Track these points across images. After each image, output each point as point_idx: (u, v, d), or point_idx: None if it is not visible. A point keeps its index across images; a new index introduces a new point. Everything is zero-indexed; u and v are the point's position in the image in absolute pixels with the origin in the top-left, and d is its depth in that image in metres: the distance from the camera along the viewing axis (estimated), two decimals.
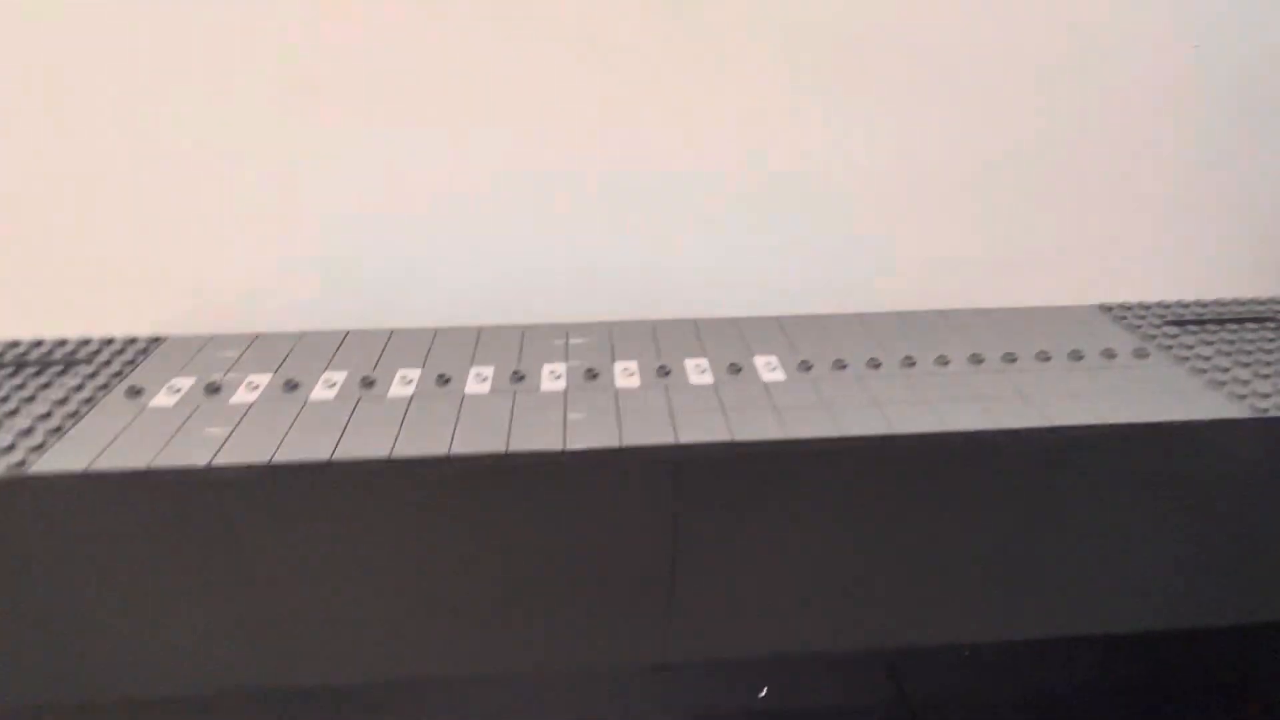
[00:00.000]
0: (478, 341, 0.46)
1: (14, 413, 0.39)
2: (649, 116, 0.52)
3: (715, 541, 0.40)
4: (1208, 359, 0.44)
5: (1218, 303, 0.51)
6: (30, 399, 0.40)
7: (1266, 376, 0.42)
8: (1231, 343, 0.46)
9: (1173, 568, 0.43)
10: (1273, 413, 0.39)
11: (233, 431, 0.37)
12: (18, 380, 0.42)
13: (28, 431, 0.37)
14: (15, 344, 0.45)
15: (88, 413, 0.39)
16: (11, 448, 0.36)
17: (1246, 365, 0.44)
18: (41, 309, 0.54)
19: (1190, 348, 0.46)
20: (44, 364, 0.44)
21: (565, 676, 0.43)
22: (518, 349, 0.45)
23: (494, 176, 0.53)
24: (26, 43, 0.47)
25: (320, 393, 0.41)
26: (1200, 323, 0.49)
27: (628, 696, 0.42)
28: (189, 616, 0.39)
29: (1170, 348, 0.46)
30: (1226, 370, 0.43)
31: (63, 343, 0.45)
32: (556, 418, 0.38)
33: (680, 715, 0.41)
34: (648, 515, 0.38)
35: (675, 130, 0.53)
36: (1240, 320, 0.49)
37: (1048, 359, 0.44)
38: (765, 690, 0.42)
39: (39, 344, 0.45)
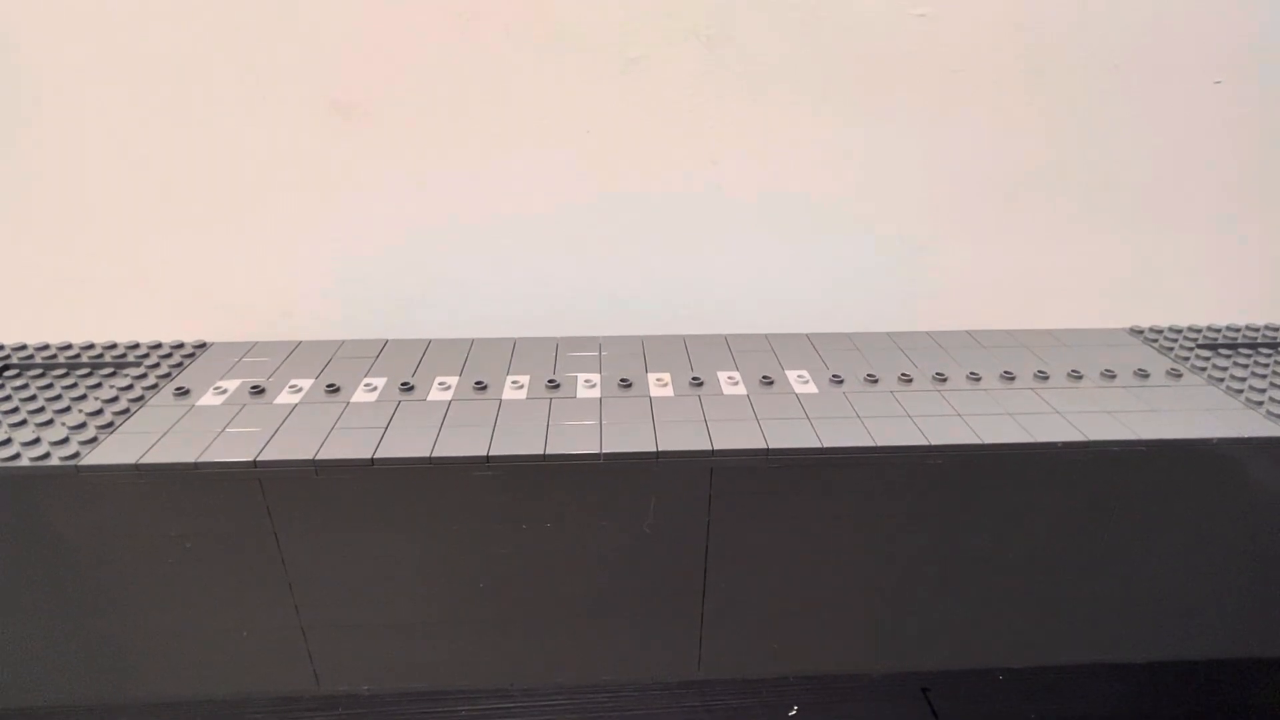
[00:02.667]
0: (513, 351, 0.46)
1: (66, 409, 0.40)
2: (683, 142, 0.53)
3: (746, 552, 0.39)
4: (1242, 380, 0.43)
5: (1249, 328, 0.50)
6: (81, 397, 0.41)
7: None
8: (1265, 365, 0.46)
9: (1213, 592, 0.42)
10: None
11: (278, 430, 0.38)
12: (69, 380, 0.43)
13: (80, 427, 0.38)
14: (68, 346, 0.46)
15: (137, 410, 0.40)
16: (65, 441, 0.36)
17: None
18: (93, 318, 0.55)
19: (1224, 369, 0.45)
20: (95, 365, 0.44)
21: (596, 689, 0.42)
22: (552, 359, 0.45)
23: (530, 200, 0.54)
24: (90, 80, 0.49)
25: (361, 396, 0.41)
26: (1233, 346, 0.48)
27: (658, 712, 0.41)
28: (232, 608, 0.38)
29: (1204, 369, 0.45)
30: (1262, 391, 0.42)
31: (112, 346, 0.46)
32: (592, 423, 0.38)
33: None
34: (681, 523, 0.38)
35: (708, 155, 0.54)
36: (1273, 345, 0.48)
37: (1080, 378, 0.44)
38: (795, 709, 0.41)
39: (90, 347, 0.46)
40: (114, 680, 0.40)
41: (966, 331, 0.49)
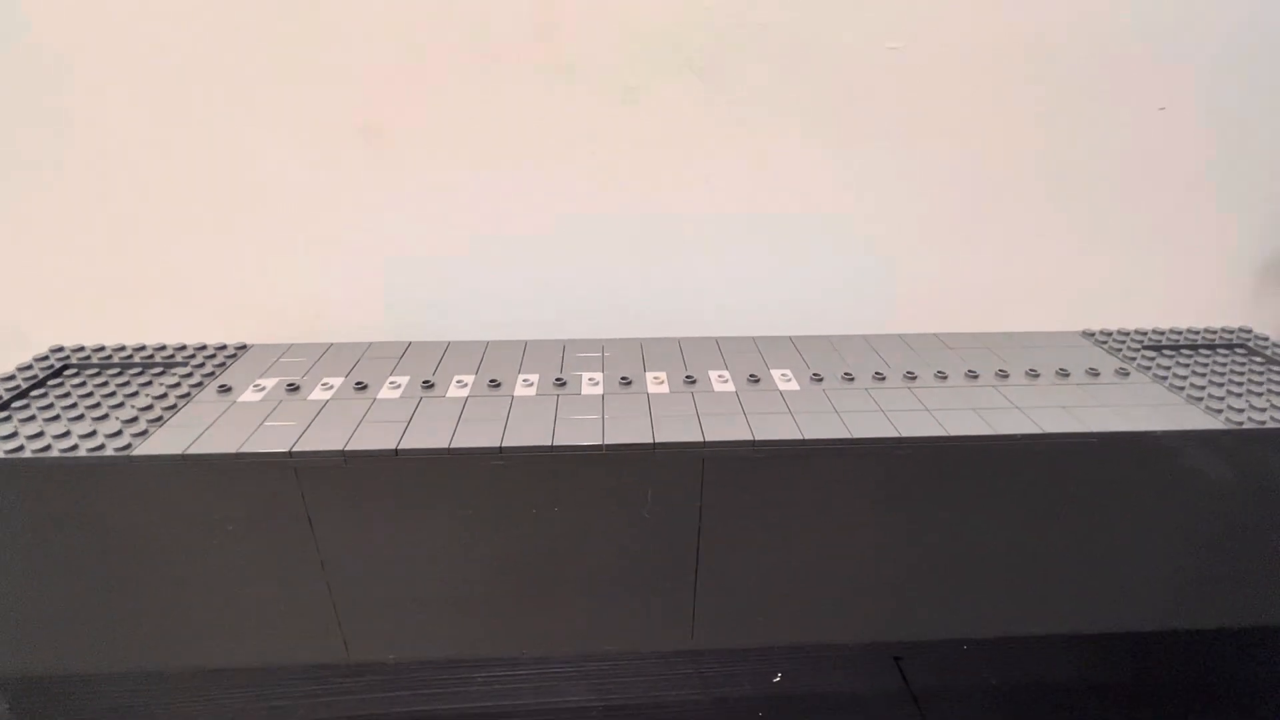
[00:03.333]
0: (524, 353, 0.47)
1: (120, 405, 0.40)
2: (679, 163, 0.54)
3: (735, 533, 0.40)
4: (1184, 378, 0.45)
5: (1190, 331, 0.51)
6: (134, 394, 0.42)
7: (1238, 395, 0.43)
8: (1205, 365, 0.47)
9: (1157, 570, 0.43)
10: (1247, 425, 0.39)
11: (310, 423, 0.38)
12: (123, 379, 0.43)
13: (132, 421, 0.39)
14: (122, 348, 0.47)
15: (184, 406, 0.40)
16: (118, 434, 0.37)
17: (1219, 385, 0.44)
18: (145, 322, 0.56)
19: (1167, 369, 0.46)
20: (146, 365, 0.45)
21: (600, 658, 0.43)
22: (559, 359, 0.46)
23: (540, 215, 0.55)
24: (145, 109, 0.50)
25: (386, 393, 0.42)
26: (1175, 348, 0.49)
27: (655, 678, 0.42)
28: (269, 584, 0.39)
29: (1149, 369, 0.46)
30: (1202, 389, 0.43)
31: (162, 347, 0.47)
32: (596, 417, 0.39)
33: (702, 697, 0.41)
34: (676, 507, 0.39)
35: (702, 174, 0.55)
36: (1211, 346, 0.50)
37: (1037, 376, 0.45)
38: (779, 676, 0.42)
39: (142, 348, 0.47)
40: (162, 649, 0.41)
41: (934, 334, 0.50)
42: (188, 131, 0.51)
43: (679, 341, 0.49)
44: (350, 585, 0.40)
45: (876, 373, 0.44)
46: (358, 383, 0.43)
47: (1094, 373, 0.45)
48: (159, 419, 0.39)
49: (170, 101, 0.50)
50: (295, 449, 0.36)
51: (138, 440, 0.37)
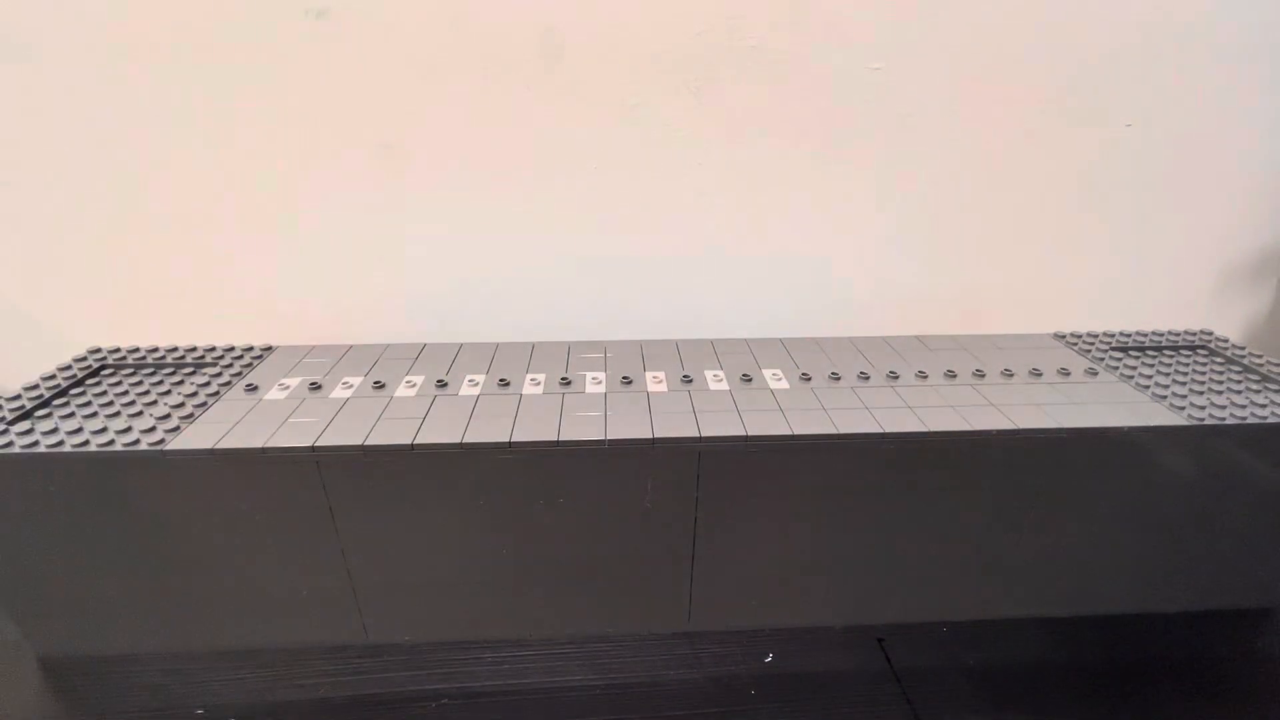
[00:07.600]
0: (532, 354, 0.47)
1: (154, 402, 0.40)
2: (675, 177, 0.54)
3: (729, 523, 0.39)
4: (1149, 377, 0.44)
5: (1155, 333, 0.51)
6: (167, 392, 0.41)
7: (1200, 392, 0.42)
8: (1169, 365, 0.46)
9: (1123, 556, 0.42)
10: (1208, 421, 0.39)
11: (332, 420, 0.38)
12: (157, 378, 0.43)
13: (165, 417, 0.38)
14: (155, 349, 0.46)
15: (214, 404, 0.40)
16: (152, 429, 0.37)
17: (1182, 383, 0.43)
18: (177, 324, 0.56)
19: (1134, 368, 0.45)
20: (178, 365, 0.45)
21: (601, 639, 0.42)
22: (565, 360, 0.46)
23: (546, 225, 0.55)
24: (184, 130, 0.49)
25: (403, 391, 0.41)
26: (1140, 349, 0.49)
27: (654, 659, 0.41)
28: (293, 570, 0.39)
29: (1116, 368, 0.45)
30: (1166, 387, 0.43)
31: (193, 349, 0.47)
32: (598, 414, 0.39)
33: (698, 676, 0.40)
34: (674, 498, 0.38)
35: (697, 187, 0.54)
36: (1175, 348, 0.49)
37: (1011, 375, 0.44)
38: (770, 656, 0.42)
39: (174, 349, 0.46)
40: (192, 632, 0.40)
41: (915, 337, 0.50)
42: (222, 152, 0.51)
43: (676, 343, 0.48)
44: (369, 571, 0.39)
45: (861, 372, 0.44)
46: (376, 382, 0.42)
47: (1065, 372, 0.44)
48: (190, 416, 0.38)
49: (208, 123, 0.50)
50: (317, 444, 0.36)
51: (170, 435, 0.36)
